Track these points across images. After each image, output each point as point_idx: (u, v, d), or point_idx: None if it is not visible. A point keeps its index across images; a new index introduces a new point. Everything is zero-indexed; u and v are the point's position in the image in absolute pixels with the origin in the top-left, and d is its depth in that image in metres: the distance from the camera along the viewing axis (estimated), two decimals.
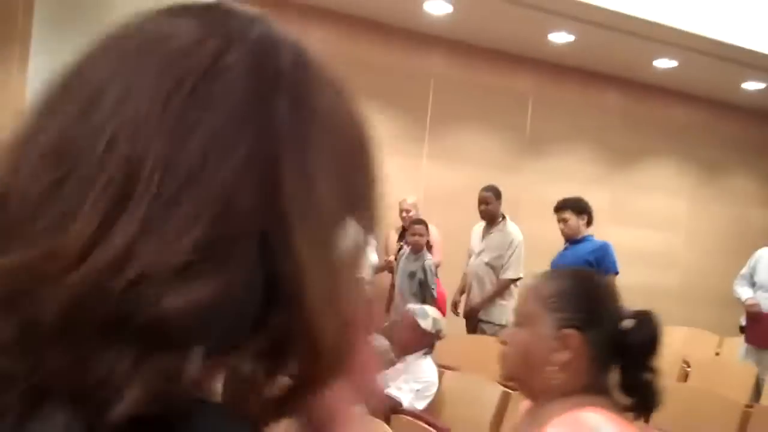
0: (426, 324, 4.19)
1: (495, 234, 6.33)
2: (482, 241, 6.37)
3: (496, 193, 6.32)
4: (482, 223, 6.45)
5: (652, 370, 1.57)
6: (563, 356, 1.58)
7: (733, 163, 10.43)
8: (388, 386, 3.81)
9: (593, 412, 1.50)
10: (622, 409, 1.55)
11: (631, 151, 9.58)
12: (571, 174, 8.88)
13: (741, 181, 10.54)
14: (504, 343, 1.69)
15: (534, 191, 8.32)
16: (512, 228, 6.37)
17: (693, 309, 8.71)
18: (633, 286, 8.70)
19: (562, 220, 5.80)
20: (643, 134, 9.63)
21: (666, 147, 9.89)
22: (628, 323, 1.58)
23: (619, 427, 1.48)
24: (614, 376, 1.58)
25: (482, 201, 6.32)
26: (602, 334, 1.58)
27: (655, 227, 9.77)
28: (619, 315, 1.61)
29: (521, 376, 1.66)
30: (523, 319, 1.67)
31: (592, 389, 1.57)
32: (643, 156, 9.73)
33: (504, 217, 6.40)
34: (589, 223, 5.85)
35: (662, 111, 9.72)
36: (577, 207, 5.84)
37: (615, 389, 1.57)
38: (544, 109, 8.80)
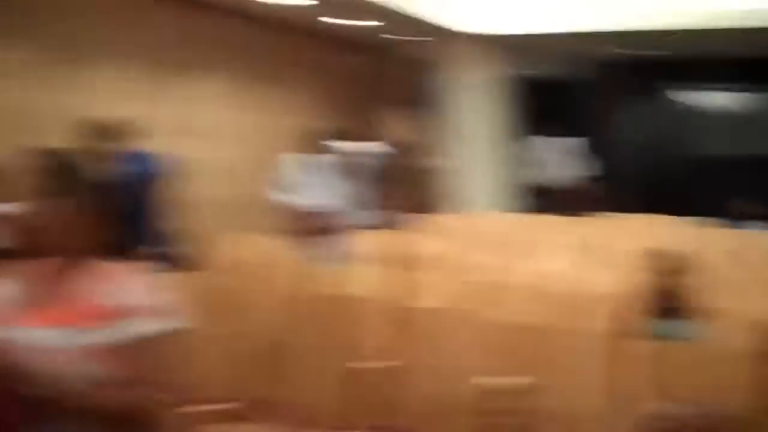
0: None
1: None
2: None
3: None
4: None
5: None
6: None
7: (270, 76, 11.17)
8: None
9: None
10: None
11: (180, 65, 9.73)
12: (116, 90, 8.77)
13: (279, 93, 11.34)
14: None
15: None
16: None
17: (245, 216, 9.18)
18: (192, 199, 8.94)
19: None
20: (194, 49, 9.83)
21: (214, 61, 10.23)
22: None
23: None
24: None
25: None
26: None
27: (205, 138, 10.09)
28: None
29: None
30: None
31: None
32: (191, 70, 9.94)
33: None
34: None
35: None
36: None
37: None
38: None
